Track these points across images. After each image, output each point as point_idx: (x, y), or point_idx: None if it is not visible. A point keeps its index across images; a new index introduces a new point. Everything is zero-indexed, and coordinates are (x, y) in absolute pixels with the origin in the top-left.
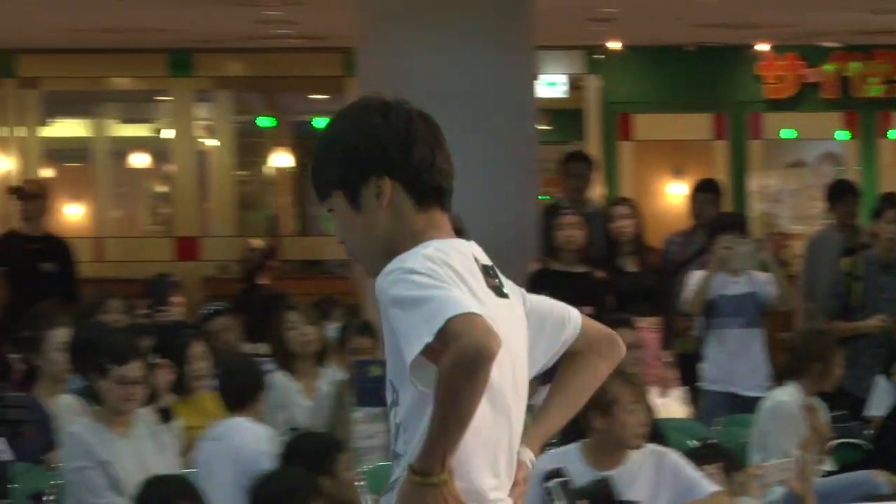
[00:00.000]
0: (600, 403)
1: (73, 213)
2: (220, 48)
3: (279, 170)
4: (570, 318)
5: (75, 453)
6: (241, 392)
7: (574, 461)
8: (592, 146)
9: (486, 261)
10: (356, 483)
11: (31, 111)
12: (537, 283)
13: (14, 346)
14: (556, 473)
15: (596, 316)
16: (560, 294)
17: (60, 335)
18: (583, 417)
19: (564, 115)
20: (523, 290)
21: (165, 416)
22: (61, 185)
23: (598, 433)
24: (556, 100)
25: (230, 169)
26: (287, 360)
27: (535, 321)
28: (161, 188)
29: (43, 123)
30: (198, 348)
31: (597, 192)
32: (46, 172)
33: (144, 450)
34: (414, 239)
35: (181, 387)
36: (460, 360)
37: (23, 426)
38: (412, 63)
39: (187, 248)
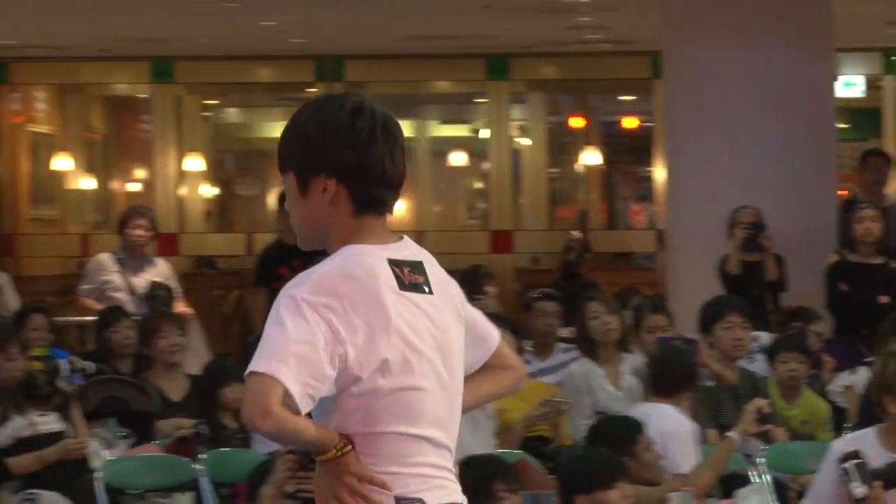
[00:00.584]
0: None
1: (396, 209)
2: (535, 53)
3: (588, 167)
4: (490, 339)
5: None
6: (669, 380)
7: (870, 444)
8: (889, 144)
9: (413, 258)
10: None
11: None
12: (835, 274)
13: None
14: (852, 455)
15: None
16: (858, 284)
17: None
18: (878, 402)
19: (862, 114)
20: (461, 295)
21: None
22: None
23: (893, 417)
24: (854, 99)
25: (543, 166)
26: (591, 347)
27: (465, 327)
28: (478, 185)
29: None
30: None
31: (893, 187)
32: None
33: (462, 431)
34: (342, 239)
35: None
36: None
37: None
38: (716, 64)
39: (502, 241)
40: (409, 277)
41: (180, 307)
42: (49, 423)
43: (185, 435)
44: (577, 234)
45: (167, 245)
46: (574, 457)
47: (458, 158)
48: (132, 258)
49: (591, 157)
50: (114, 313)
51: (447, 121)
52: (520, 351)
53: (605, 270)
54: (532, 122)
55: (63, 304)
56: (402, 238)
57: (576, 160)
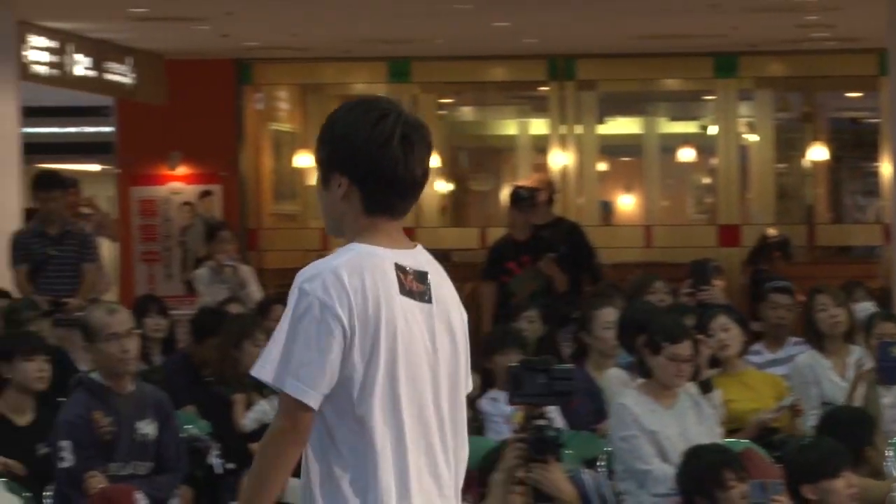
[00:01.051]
0: None
1: (625, 203)
2: (763, 51)
3: (815, 163)
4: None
5: (624, 423)
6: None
7: None
8: None
9: (420, 267)
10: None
11: (589, 111)
12: None
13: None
14: None
15: None
16: None
17: (608, 314)
18: None
19: None
20: (463, 318)
21: (705, 388)
22: (615, 178)
23: None
24: None
25: (770, 162)
26: (818, 339)
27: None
28: (705, 180)
29: (600, 122)
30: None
31: None
32: (601, 166)
33: (687, 421)
34: (354, 235)
35: (719, 362)
36: (273, 438)
37: (572, 397)
38: None
39: (729, 235)
40: (411, 284)
41: None
42: None
43: None
44: (772, 231)
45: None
46: (800, 446)
47: (686, 154)
48: None
49: (817, 152)
50: None
51: (676, 118)
52: (747, 344)
53: (830, 264)
54: (759, 119)
55: None
56: (415, 246)
57: (802, 156)
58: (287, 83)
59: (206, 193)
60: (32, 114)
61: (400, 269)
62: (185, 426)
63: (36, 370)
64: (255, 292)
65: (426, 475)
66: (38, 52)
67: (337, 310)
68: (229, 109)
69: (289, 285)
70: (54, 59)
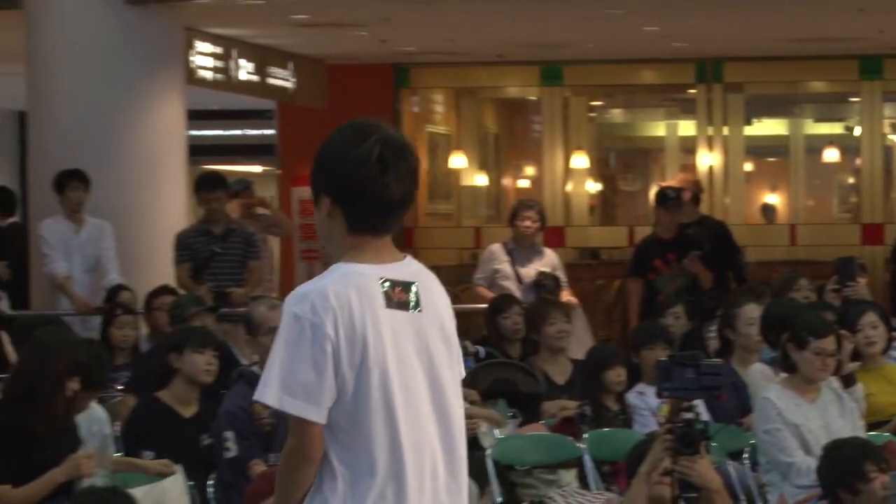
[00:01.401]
0: None
1: (770, 203)
2: None
3: None
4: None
5: (768, 416)
6: None
7: None
8: None
9: (407, 278)
10: None
11: (735, 112)
12: None
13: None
14: None
15: None
16: None
17: (751, 311)
18: None
19: None
20: (452, 323)
21: (848, 382)
22: (761, 178)
23: None
24: None
25: None
26: None
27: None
28: (850, 180)
29: (746, 123)
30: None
31: None
32: (748, 167)
33: (830, 414)
34: (341, 253)
35: (860, 356)
36: (286, 457)
37: (720, 391)
38: None
39: (872, 234)
40: (399, 296)
41: (566, 296)
42: None
43: (570, 416)
44: None
45: (554, 237)
46: None
47: (831, 155)
48: (522, 249)
49: None
50: (505, 301)
51: (821, 119)
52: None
53: None
54: None
55: (458, 293)
56: (404, 258)
57: None
58: (442, 86)
59: None
60: (197, 117)
61: (386, 282)
62: None
63: (205, 363)
64: None
65: (427, 476)
66: (203, 57)
67: (327, 328)
68: (387, 112)
69: (443, 282)
70: (219, 64)
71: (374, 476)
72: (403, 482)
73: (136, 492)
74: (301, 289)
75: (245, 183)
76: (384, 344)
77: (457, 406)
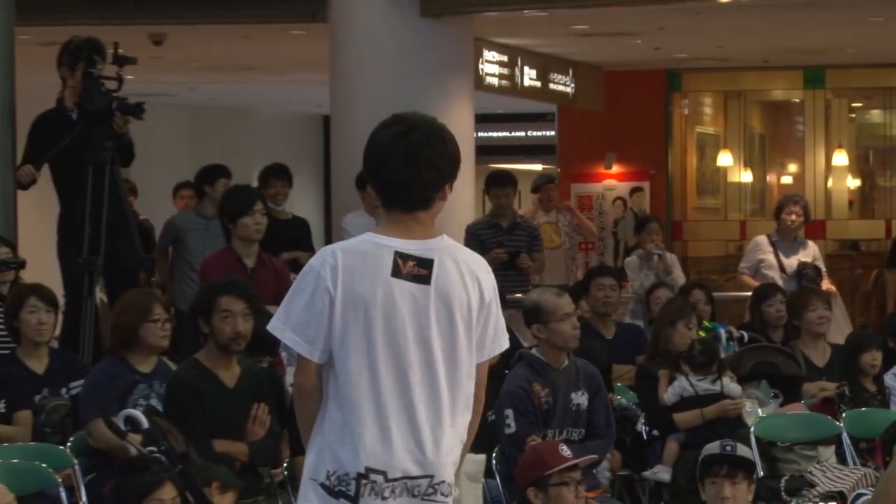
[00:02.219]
0: None
1: None
2: None
3: None
4: (483, 352)
5: None
6: None
7: None
8: None
9: (425, 255)
10: None
11: None
12: None
13: None
14: None
15: None
16: None
17: None
18: None
19: None
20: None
21: None
22: None
23: None
24: None
25: None
26: None
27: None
28: None
29: None
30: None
31: None
32: None
33: None
34: (380, 225)
35: None
36: (294, 391)
37: None
38: None
39: None
40: (410, 269)
41: (826, 284)
42: (707, 384)
43: (829, 396)
44: None
45: (816, 230)
46: None
47: None
48: (785, 241)
49: None
50: (768, 289)
51: None
52: None
53: None
54: None
55: (723, 282)
56: (434, 237)
57: None
58: (711, 90)
59: (636, 189)
60: (484, 120)
61: (400, 255)
62: (616, 397)
63: None
64: (680, 277)
65: (405, 429)
66: (491, 65)
67: (327, 282)
68: (659, 114)
69: (709, 272)
70: (505, 71)
71: (359, 423)
72: (387, 429)
73: None
74: (325, 247)
75: (547, 178)
76: (377, 305)
77: (448, 369)
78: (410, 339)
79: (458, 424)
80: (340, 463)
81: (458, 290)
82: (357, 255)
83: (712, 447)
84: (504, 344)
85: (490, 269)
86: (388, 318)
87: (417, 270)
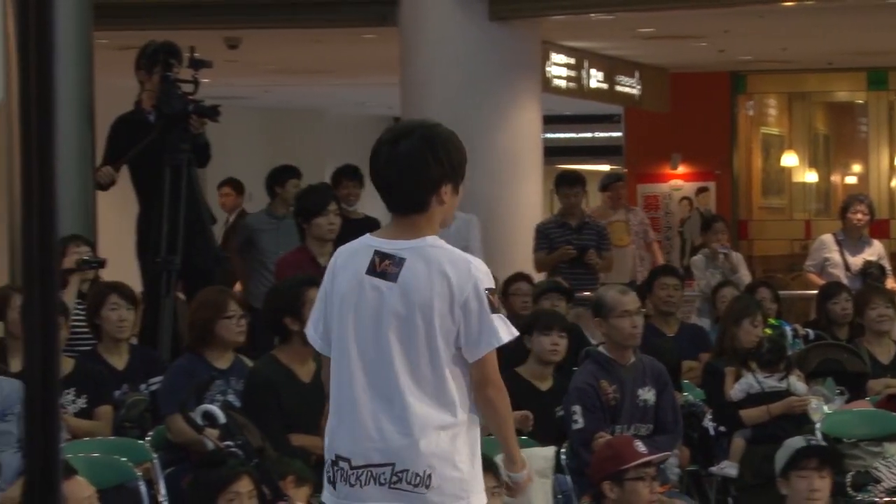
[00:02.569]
0: None
1: None
2: None
3: None
4: (479, 345)
5: None
6: None
7: None
8: None
9: (399, 254)
10: None
11: None
12: None
13: None
14: None
15: None
16: None
17: None
18: None
19: None
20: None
21: None
22: None
23: None
24: None
25: None
26: None
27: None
28: None
29: None
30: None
31: None
32: None
33: None
34: None
35: None
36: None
37: None
38: None
39: None
40: (384, 267)
41: (891, 283)
42: (773, 381)
43: (894, 393)
44: None
45: (880, 229)
46: None
47: None
48: (851, 239)
49: None
50: (834, 287)
51: None
52: None
53: None
54: None
55: (789, 280)
56: (420, 238)
57: None
58: (776, 92)
59: (702, 189)
60: (552, 121)
61: (378, 254)
62: (684, 393)
63: (550, 343)
64: (745, 276)
65: (368, 418)
66: (558, 67)
67: (326, 281)
68: (724, 116)
69: (775, 270)
70: (572, 73)
71: (334, 412)
72: (353, 418)
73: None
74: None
75: (616, 176)
76: (351, 300)
77: (407, 363)
78: (372, 332)
79: (431, 417)
80: (327, 450)
81: (422, 289)
82: (349, 254)
83: (796, 441)
84: (496, 339)
85: (478, 270)
86: (357, 312)
87: (390, 269)
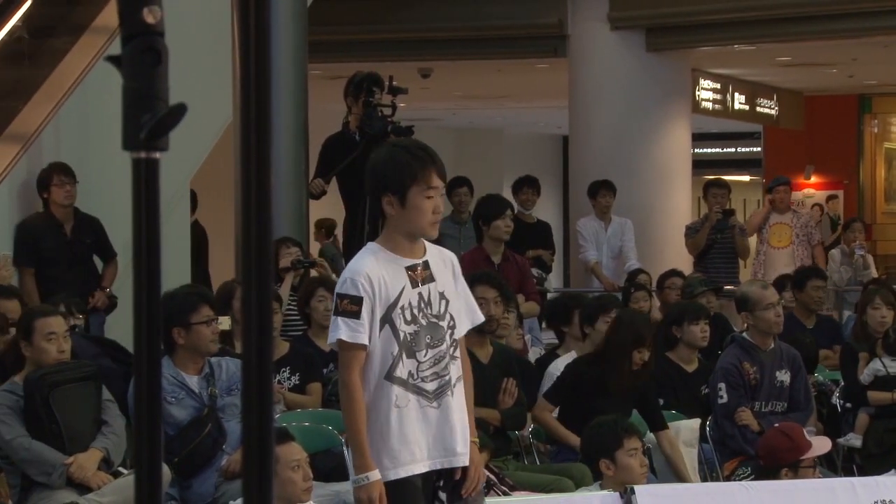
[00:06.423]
0: None
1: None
2: None
3: None
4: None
5: None
6: None
7: None
8: None
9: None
10: None
11: None
12: None
13: None
14: None
15: None
16: None
17: None
18: None
19: None
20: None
21: None
22: None
23: None
24: None
25: None
26: None
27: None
28: None
29: None
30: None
31: None
32: None
33: None
34: None
35: None
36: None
37: None
38: None
39: None
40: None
41: None
42: None
43: None
44: None
45: None
46: None
47: None
48: None
49: None
50: None
51: None
52: None
53: None
54: None
55: None
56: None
57: None
58: None
59: (832, 197)
60: (699, 138)
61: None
62: (815, 375)
63: (700, 332)
64: (874, 274)
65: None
66: (706, 91)
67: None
68: (852, 133)
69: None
70: (717, 97)
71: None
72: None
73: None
74: None
75: (781, 180)
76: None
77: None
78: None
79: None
80: None
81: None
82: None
83: None
84: (333, 336)
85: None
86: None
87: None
